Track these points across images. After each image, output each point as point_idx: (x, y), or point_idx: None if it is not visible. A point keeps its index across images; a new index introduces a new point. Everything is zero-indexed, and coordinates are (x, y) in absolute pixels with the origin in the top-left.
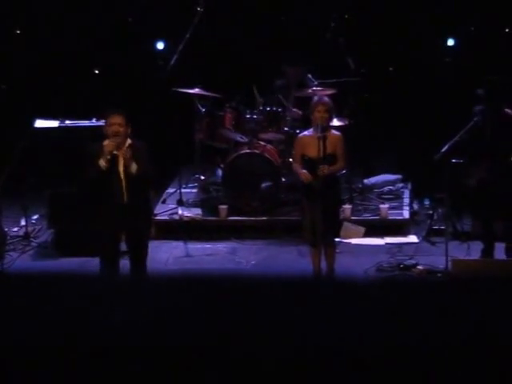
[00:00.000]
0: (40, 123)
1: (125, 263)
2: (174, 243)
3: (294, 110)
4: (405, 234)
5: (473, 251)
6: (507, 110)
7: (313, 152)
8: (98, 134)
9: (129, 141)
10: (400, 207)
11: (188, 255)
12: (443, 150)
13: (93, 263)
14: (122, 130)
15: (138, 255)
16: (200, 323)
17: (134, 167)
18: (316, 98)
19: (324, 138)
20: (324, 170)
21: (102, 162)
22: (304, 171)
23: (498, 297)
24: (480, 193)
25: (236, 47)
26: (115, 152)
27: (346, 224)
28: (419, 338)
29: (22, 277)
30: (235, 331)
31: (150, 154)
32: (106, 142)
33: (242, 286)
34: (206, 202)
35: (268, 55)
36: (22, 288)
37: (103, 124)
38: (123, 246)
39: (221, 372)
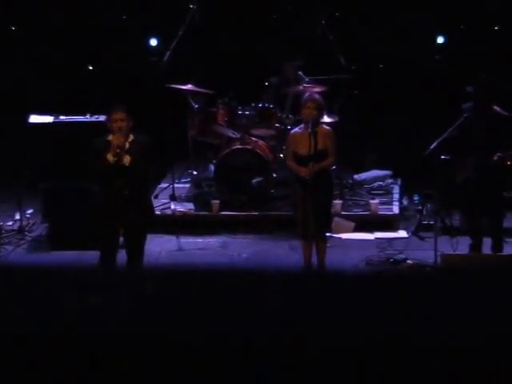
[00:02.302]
0: (34, 118)
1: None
2: (167, 237)
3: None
4: (394, 229)
5: (461, 246)
6: (496, 107)
7: (304, 148)
8: (92, 129)
9: (131, 136)
10: (390, 203)
11: (180, 249)
12: (432, 146)
13: (87, 257)
14: (124, 125)
15: (134, 249)
16: (196, 316)
17: (126, 160)
18: (306, 95)
19: (315, 134)
20: (313, 168)
21: (111, 157)
22: (303, 168)
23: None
24: (468, 189)
25: (229, 44)
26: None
27: (336, 219)
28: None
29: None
30: (230, 324)
31: (152, 149)
32: (111, 137)
33: (235, 279)
34: (198, 197)
35: (261, 52)
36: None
37: (97, 120)
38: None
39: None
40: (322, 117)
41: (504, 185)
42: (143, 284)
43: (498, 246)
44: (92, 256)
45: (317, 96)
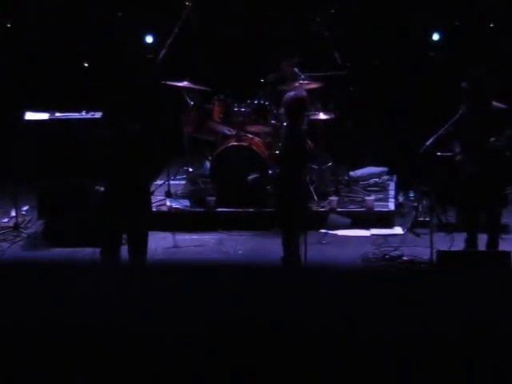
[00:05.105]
0: (30, 116)
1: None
2: (162, 234)
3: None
4: (390, 226)
5: (457, 243)
6: (494, 103)
7: None
8: (88, 126)
9: None
10: (385, 199)
11: (176, 246)
12: (428, 143)
13: (82, 253)
14: None
15: (134, 245)
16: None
17: None
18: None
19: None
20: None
21: None
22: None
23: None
24: (468, 184)
25: (225, 41)
26: None
27: (332, 215)
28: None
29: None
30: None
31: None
32: None
33: (231, 274)
34: (193, 194)
35: (257, 49)
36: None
37: (92, 117)
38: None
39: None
40: (301, 117)
41: (506, 180)
42: None
43: (494, 243)
44: (87, 253)
45: (289, 98)
